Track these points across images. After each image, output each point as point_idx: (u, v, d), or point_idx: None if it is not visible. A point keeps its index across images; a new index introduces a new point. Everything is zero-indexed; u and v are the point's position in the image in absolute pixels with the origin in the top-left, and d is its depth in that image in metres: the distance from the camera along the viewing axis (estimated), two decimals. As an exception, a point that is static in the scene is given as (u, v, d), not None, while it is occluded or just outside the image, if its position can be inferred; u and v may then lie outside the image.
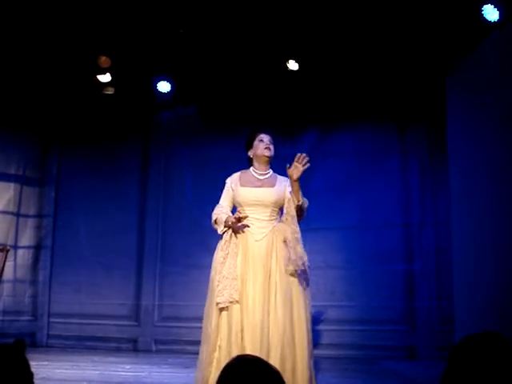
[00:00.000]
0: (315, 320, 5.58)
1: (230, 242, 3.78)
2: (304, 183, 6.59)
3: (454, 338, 5.53)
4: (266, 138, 4.03)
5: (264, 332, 3.53)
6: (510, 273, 4.91)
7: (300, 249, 3.73)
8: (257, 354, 3.21)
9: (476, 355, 1.70)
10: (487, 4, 5.37)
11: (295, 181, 3.79)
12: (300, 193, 3.82)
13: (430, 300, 6.68)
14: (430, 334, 6.60)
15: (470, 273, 5.51)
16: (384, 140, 7.13)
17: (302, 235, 3.86)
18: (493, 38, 5.42)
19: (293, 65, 6.64)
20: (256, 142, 4.04)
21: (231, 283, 3.65)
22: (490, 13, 5.38)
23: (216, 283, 3.71)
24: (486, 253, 5.26)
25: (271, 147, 4.01)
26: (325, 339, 6.48)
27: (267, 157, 4.00)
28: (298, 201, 3.79)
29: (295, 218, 3.79)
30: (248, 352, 3.36)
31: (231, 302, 3.64)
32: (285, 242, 3.74)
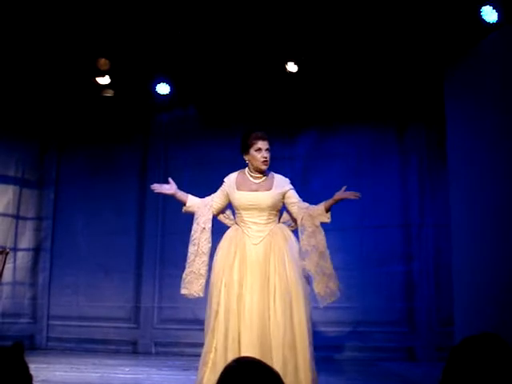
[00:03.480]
0: (314, 322, 5.58)
1: (229, 245, 3.80)
2: (303, 184, 6.64)
3: (454, 339, 5.53)
4: (264, 146, 3.87)
5: (265, 336, 3.52)
6: (510, 273, 4.91)
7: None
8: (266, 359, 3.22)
9: (475, 357, 1.70)
10: (486, 5, 5.37)
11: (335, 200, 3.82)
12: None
13: (430, 301, 6.68)
14: (429, 335, 6.59)
15: (469, 273, 5.50)
16: (383, 141, 7.12)
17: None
18: (491, 39, 5.42)
19: (292, 67, 6.65)
20: (253, 151, 3.89)
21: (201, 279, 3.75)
22: (489, 14, 5.38)
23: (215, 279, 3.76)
24: (486, 253, 5.26)
25: (268, 158, 3.88)
26: (324, 341, 6.47)
27: (262, 170, 3.94)
28: (328, 218, 3.82)
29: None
30: (259, 357, 3.36)
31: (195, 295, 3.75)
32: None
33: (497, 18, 5.35)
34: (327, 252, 3.78)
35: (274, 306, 3.60)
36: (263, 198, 3.83)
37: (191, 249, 3.86)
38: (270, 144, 3.98)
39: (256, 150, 3.90)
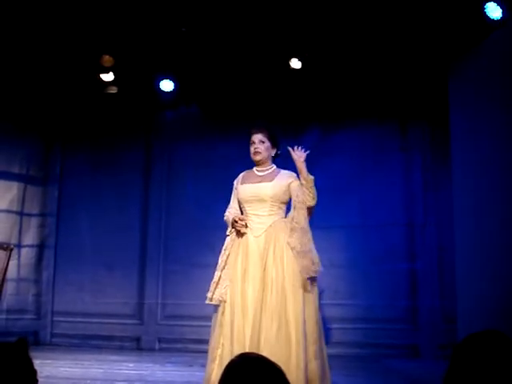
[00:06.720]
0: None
1: (232, 242, 3.79)
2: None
3: (457, 336, 5.53)
4: (256, 138, 3.92)
5: (255, 329, 3.50)
6: (513, 271, 4.90)
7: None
8: (254, 351, 3.22)
9: (478, 354, 1.70)
10: (490, 2, 5.35)
11: (302, 162, 3.77)
12: (305, 172, 3.78)
13: (433, 298, 6.68)
14: (432, 333, 6.60)
15: (472, 271, 5.50)
16: (386, 138, 7.12)
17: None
18: (495, 35, 5.40)
19: (295, 63, 6.64)
20: (250, 146, 3.96)
21: (224, 283, 3.68)
22: (493, 10, 5.35)
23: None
24: (489, 251, 5.25)
25: (261, 149, 3.89)
26: (327, 337, 6.47)
27: (257, 161, 3.94)
28: (305, 179, 3.75)
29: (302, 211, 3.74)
30: (248, 350, 3.36)
31: (221, 301, 3.66)
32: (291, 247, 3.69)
33: (501, 15, 5.33)
34: (308, 229, 3.74)
35: (269, 298, 3.56)
36: (264, 188, 3.82)
37: (222, 253, 3.85)
38: (270, 134, 3.95)
39: (251, 144, 3.94)
